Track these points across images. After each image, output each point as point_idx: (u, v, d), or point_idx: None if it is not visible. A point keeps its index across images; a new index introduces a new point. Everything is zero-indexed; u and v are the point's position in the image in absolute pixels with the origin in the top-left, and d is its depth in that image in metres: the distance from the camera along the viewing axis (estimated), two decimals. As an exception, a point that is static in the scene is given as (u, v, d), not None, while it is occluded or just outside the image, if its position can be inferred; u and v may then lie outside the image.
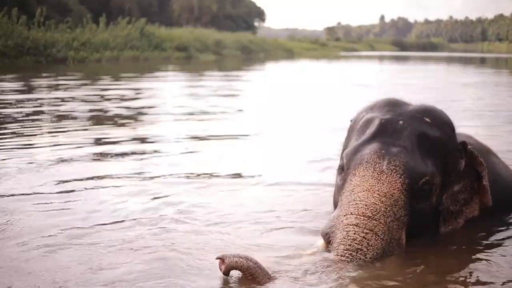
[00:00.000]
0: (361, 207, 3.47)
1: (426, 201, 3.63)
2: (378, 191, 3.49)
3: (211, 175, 5.73)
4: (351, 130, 4.04)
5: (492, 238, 3.97)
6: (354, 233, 3.39)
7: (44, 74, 19.81)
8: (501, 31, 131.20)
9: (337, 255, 3.35)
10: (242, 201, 4.82)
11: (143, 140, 7.84)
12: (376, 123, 3.79)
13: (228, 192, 5.13)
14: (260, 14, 76.97)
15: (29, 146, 7.05)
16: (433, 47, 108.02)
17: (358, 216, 3.44)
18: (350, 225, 3.43)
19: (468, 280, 3.33)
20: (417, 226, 3.62)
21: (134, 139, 7.87)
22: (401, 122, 3.75)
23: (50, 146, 7.09)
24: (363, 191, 3.53)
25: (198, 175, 5.74)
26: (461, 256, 3.66)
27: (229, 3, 68.08)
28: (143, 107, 11.37)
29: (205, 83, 18.91)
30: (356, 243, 3.36)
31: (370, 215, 3.43)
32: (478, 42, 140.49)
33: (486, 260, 3.58)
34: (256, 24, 76.44)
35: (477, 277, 3.33)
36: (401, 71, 30.84)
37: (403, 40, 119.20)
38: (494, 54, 72.45)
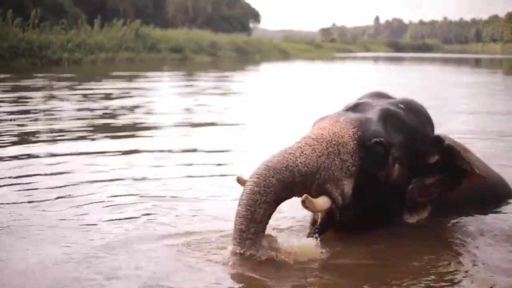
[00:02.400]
0: (308, 135, 3.62)
1: (382, 168, 3.67)
2: (329, 129, 3.61)
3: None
4: None
5: (463, 233, 3.95)
6: (293, 145, 3.53)
7: (34, 75, 19.73)
8: (496, 32, 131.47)
9: (270, 157, 3.45)
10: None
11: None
12: (351, 104, 3.98)
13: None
14: (255, 16, 77.02)
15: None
16: (427, 48, 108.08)
17: (302, 138, 3.59)
18: (293, 144, 3.56)
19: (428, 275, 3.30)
20: (371, 195, 3.67)
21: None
22: (374, 104, 3.89)
23: None
24: (315, 128, 3.70)
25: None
26: (423, 251, 3.62)
27: (224, 5, 68.09)
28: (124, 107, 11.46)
29: (195, 83, 18.97)
30: (290, 150, 3.48)
31: (314, 137, 3.56)
32: (472, 43, 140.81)
33: (452, 255, 3.57)
34: (251, 25, 76.50)
35: (439, 271, 3.33)
36: (396, 71, 30.86)
37: (398, 41, 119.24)
38: (488, 55, 72.42)
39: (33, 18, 28.76)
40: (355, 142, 3.57)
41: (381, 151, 3.63)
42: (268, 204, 3.30)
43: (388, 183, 3.71)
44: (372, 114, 3.76)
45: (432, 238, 3.84)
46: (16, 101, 11.84)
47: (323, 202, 3.44)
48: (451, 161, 3.91)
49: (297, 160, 3.39)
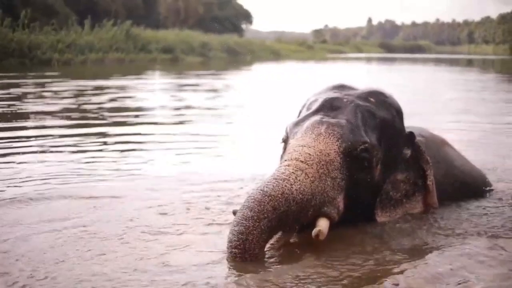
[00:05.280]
0: (295, 155, 3.50)
1: (367, 172, 3.63)
2: (314, 147, 3.50)
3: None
4: (298, 113, 4.06)
5: (436, 230, 3.85)
6: (285, 169, 3.42)
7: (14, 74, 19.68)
8: (488, 34, 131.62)
9: (262, 184, 3.33)
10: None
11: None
12: (320, 101, 3.84)
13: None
14: (247, 17, 76.72)
15: None
16: (420, 49, 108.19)
17: (290, 161, 3.47)
18: (281, 166, 3.47)
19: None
20: (360, 200, 3.63)
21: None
22: (345, 100, 3.79)
23: None
24: (299, 146, 3.55)
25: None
26: (400, 247, 3.54)
27: (216, 6, 67.88)
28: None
29: (180, 81, 18.91)
30: (284, 176, 3.37)
31: (303, 160, 3.45)
32: (465, 44, 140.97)
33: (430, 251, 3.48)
34: (243, 26, 76.24)
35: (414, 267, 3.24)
36: (388, 71, 30.89)
37: (390, 43, 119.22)
38: (480, 55, 72.64)
39: (23, 18, 28.62)
40: (341, 156, 3.51)
41: (367, 157, 3.59)
42: (262, 231, 3.16)
43: (371, 184, 3.69)
44: (348, 115, 3.67)
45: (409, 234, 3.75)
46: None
47: (326, 225, 3.39)
48: (417, 160, 3.94)
49: (292, 187, 3.29)
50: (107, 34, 33.78)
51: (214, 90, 15.63)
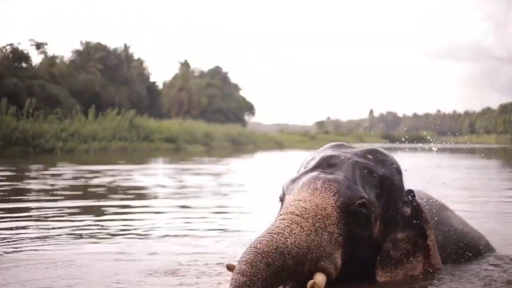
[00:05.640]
0: (290, 209, 3.41)
1: (365, 228, 3.53)
2: (310, 201, 3.42)
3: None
4: (296, 172, 3.98)
5: None
6: (279, 223, 3.32)
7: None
8: (489, 124, 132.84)
9: (256, 240, 3.22)
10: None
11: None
12: (317, 159, 3.80)
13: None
14: (250, 109, 77.85)
15: None
16: (422, 140, 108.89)
17: (286, 214, 3.38)
18: (276, 220, 3.37)
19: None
20: (359, 257, 3.52)
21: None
22: (342, 157, 3.74)
23: None
24: (295, 200, 3.47)
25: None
26: None
27: (219, 98, 69.00)
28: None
29: (182, 166, 18.92)
30: (279, 229, 3.27)
31: (298, 213, 3.36)
32: (466, 134, 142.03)
33: None
34: (246, 118, 77.21)
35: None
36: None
37: (392, 133, 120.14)
38: (483, 145, 73.20)
39: (28, 107, 28.98)
40: (338, 211, 3.42)
41: (365, 212, 3.50)
42: None
43: (370, 241, 3.58)
44: (346, 171, 3.61)
45: None
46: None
47: (323, 280, 3.28)
48: (416, 219, 3.84)
49: (287, 241, 3.20)
50: (110, 123, 34.20)
51: (216, 174, 15.57)
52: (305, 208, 3.37)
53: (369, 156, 3.79)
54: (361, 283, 3.58)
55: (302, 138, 65.25)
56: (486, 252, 4.56)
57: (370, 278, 3.62)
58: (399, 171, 3.88)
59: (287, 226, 3.27)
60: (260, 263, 3.07)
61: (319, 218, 3.35)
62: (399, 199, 3.77)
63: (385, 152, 3.93)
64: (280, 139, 56.84)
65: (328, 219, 3.37)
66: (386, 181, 3.70)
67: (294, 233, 3.23)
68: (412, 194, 3.87)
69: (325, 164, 3.72)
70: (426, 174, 13.83)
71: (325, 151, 3.92)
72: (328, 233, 3.35)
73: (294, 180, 3.69)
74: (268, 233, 3.23)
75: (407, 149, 45.96)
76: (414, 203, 3.85)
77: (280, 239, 3.18)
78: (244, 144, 47.46)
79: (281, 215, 3.40)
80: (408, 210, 3.80)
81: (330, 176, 3.56)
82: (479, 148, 55.18)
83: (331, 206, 3.40)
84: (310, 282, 3.16)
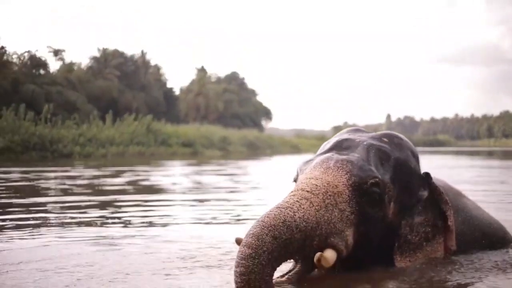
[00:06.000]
0: (301, 186, 3.40)
1: (379, 209, 3.50)
2: (322, 179, 3.41)
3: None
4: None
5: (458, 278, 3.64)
6: (289, 199, 3.31)
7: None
8: (507, 128, 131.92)
9: (264, 214, 3.19)
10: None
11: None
12: (332, 142, 3.83)
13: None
14: (267, 114, 77.81)
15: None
16: (439, 144, 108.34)
17: (296, 191, 3.37)
18: (286, 197, 3.36)
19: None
20: (372, 238, 3.50)
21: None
22: (357, 140, 3.74)
23: None
24: (307, 179, 3.47)
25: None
26: None
27: (236, 103, 69.05)
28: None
29: (199, 168, 18.98)
30: (288, 204, 3.26)
31: (309, 190, 3.35)
32: (484, 139, 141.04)
33: None
34: (263, 123, 77.16)
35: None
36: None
37: (410, 138, 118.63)
38: (501, 148, 72.74)
39: (45, 113, 29.18)
40: (350, 189, 3.40)
41: (378, 191, 3.47)
42: (263, 266, 3.01)
43: (384, 222, 3.54)
44: (360, 153, 3.61)
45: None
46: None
47: (332, 256, 3.25)
48: (435, 201, 3.80)
49: (295, 215, 3.17)
50: (128, 128, 34.36)
51: (232, 174, 15.58)
52: (316, 185, 3.37)
53: (385, 139, 3.77)
54: (379, 269, 3.56)
55: (319, 142, 65.04)
56: (504, 239, 4.49)
57: (387, 263, 3.59)
58: (415, 155, 3.86)
59: (297, 201, 3.26)
60: (266, 236, 3.04)
61: (329, 195, 3.33)
62: (415, 182, 3.74)
63: (401, 136, 3.90)
64: (296, 143, 56.79)
65: (340, 197, 3.36)
66: (401, 164, 3.68)
67: (303, 208, 3.22)
68: (429, 176, 3.83)
69: (340, 146, 3.73)
70: (444, 173, 13.81)
71: (341, 135, 3.92)
72: (339, 210, 3.33)
73: (307, 162, 3.70)
74: (276, 208, 3.22)
75: (425, 152, 45.94)
76: (432, 185, 3.81)
77: (288, 213, 3.16)
78: (261, 148, 47.49)
79: (291, 192, 3.40)
80: (425, 193, 3.76)
81: (343, 156, 3.56)
82: (498, 152, 54.95)
83: (343, 184, 3.39)
84: (317, 254, 3.15)
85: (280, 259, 3.13)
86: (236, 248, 3.25)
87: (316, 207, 3.26)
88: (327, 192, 3.34)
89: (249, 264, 2.99)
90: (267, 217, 3.14)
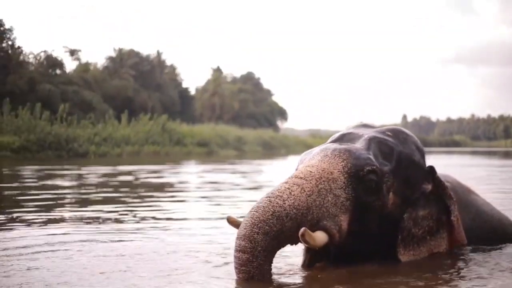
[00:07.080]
0: (295, 174, 3.46)
1: (376, 197, 3.50)
2: (318, 166, 3.45)
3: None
4: None
5: (471, 272, 3.62)
6: (280, 186, 3.35)
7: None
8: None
9: (256, 204, 3.27)
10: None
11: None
12: (336, 135, 3.90)
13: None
14: (282, 114, 77.70)
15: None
16: (456, 144, 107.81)
17: (289, 179, 3.42)
18: (279, 183, 3.40)
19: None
20: (369, 227, 3.51)
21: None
22: (361, 133, 3.77)
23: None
24: (304, 167, 3.52)
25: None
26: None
27: (252, 102, 69.02)
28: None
29: (213, 166, 19.01)
30: (278, 192, 3.30)
31: (302, 176, 3.39)
32: (501, 139, 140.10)
33: None
34: (278, 123, 77.06)
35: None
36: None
37: (426, 138, 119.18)
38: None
39: (61, 112, 29.34)
40: (345, 175, 3.43)
41: (374, 179, 3.49)
42: (261, 265, 3.16)
43: (383, 213, 3.54)
44: (361, 143, 3.65)
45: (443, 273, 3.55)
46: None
47: (322, 237, 3.28)
48: (440, 196, 3.79)
49: (284, 203, 3.23)
50: (143, 128, 34.47)
51: (247, 172, 15.58)
52: (311, 171, 3.41)
53: (389, 133, 3.79)
54: (382, 262, 3.58)
55: (335, 142, 64.95)
56: None
57: (389, 257, 3.60)
58: (420, 150, 3.86)
59: (287, 188, 3.31)
60: (257, 235, 3.13)
61: (323, 181, 3.37)
62: (418, 176, 3.74)
63: (408, 132, 3.92)
64: (312, 143, 56.73)
65: (334, 183, 3.39)
66: (404, 157, 3.69)
67: (293, 195, 3.27)
68: (433, 170, 3.82)
69: (342, 138, 3.79)
70: (459, 171, 13.76)
71: (347, 129, 3.96)
72: (333, 195, 3.36)
73: (309, 152, 3.75)
74: (266, 197, 3.28)
75: (441, 153, 45.85)
76: (436, 180, 3.80)
77: (277, 203, 3.22)
78: (276, 148, 47.48)
79: (285, 179, 3.44)
80: (428, 187, 3.76)
81: (341, 146, 3.60)
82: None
83: (338, 170, 3.43)
84: (301, 229, 3.16)
85: (274, 251, 3.24)
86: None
87: (308, 193, 3.30)
88: (321, 177, 3.38)
89: (249, 269, 3.14)
90: (256, 211, 3.21)
